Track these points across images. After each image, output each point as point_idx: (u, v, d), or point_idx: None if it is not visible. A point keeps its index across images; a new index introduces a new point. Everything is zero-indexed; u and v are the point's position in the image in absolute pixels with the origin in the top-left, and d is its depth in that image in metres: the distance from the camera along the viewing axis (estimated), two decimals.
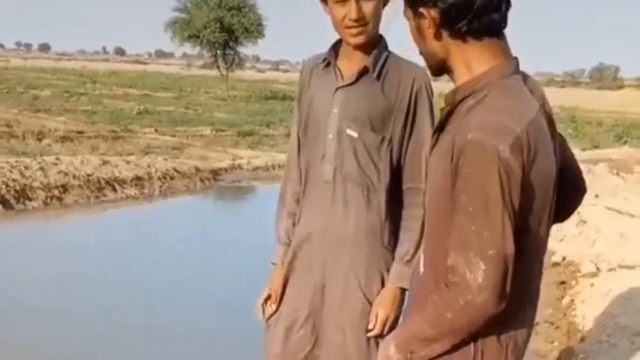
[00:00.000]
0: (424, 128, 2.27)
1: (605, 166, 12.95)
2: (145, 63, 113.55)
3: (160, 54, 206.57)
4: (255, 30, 35.75)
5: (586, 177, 7.61)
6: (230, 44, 36.12)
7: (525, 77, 1.56)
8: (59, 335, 4.75)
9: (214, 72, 39.99)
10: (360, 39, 2.25)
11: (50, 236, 7.49)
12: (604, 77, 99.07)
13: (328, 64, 2.37)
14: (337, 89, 2.32)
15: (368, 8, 2.20)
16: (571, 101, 43.17)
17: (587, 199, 7.74)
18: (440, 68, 1.63)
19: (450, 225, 1.46)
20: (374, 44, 2.29)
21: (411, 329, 1.59)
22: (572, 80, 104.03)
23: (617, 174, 12.36)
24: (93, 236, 7.50)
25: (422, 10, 1.53)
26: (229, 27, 35.13)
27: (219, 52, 36.51)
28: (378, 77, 2.27)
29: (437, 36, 1.54)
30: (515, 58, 1.56)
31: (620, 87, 74.75)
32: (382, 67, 2.28)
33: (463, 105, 1.53)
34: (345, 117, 2.28)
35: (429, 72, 1.75)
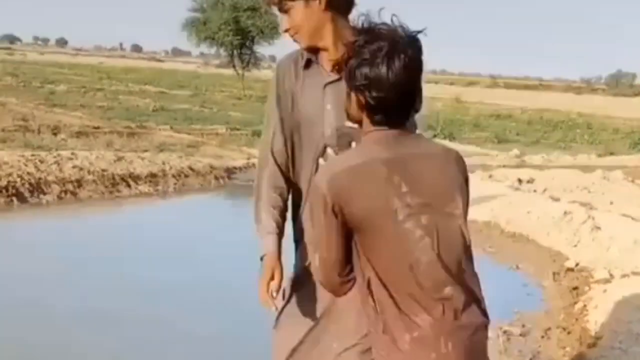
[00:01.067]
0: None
1: (621, 173, 12.87)
2: (161, 60, 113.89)
3: (177, 52, 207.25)
4: (270, 32, 35.78)
5: (601, 183, 7.66)
6: (247, 43, 36.16)
7: (396, 138, 2.07)
8: (66, 330, 4.76)
9: (230, 71, 40.06)
10: (303, 44, 2.39)
11: (64, 230, 7.52)
12: (621, 84, 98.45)
13: (309, 63, 2.42)
14: (326, 85, 2.37)
15: (293, 17, 2.34)
16: (588, 107, 42.95)
17: (602, 205, 7.74)
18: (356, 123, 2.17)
19: None
20: (338, 33, 2.33)
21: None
22: (588, 86, 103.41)
23: (633, 181, 12.28)
24: (106, 231, 7.52)
25: (353, 92, 2.07)
26: (244, 28, 35.17)
27: (235, 52, 36.56)
28: None
29: (361, 110, 2.08)
30: (399, 127, 2.07)
31: (637, 94, 74.18)
32: None
33: None
34: (339, 111, 2.27)
35: None
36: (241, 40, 35.36)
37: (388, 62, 1.98)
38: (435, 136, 19.34)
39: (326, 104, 2.38)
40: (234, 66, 37.26)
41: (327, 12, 2.32)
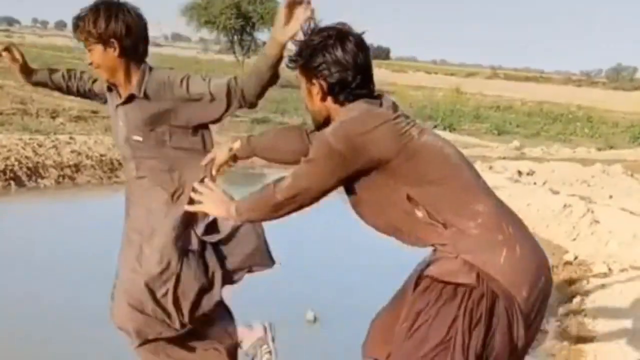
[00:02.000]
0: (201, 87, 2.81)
1: (620, 167, 12.85)
2: (161, 45, 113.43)
3: (177, 37, 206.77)
4: (270, 19, 35.68)
5: (601, 177, 7.65)
6: (248, 29, 36.06)
7: (381, 104, 2.28)
8: (64, 316, 4.73)
9: (230, 58, 39.99)
10: (102, 78, 2.96)
11: (62, 215, 7.48)
12: (621, 78, 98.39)
13: (109, 88, 2.98)
14: (117, 106, 2.91)
15: (94, 56, 2.83)
16: (588, 101, 42.88)
17: (601, 199, 7.71)
18: (323, 122, 2.34)
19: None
20: (129, 74, 2.86)
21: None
22: (588, 79, 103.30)
23: (632, 175, 12.26)
24: (104, 217, 7.47)
25: (314, 80, 2.27)
26: (245, 13, 35.08)
27: (235, 37, 36.45)
28: (144, 95, 2.84)
29: (323, 99, 2.29)
30: (378, 98, 2.29)
31: (637, 88, 74.09)
32: (145, 88, 2.85)
33: None
34: (130, 127, 2.86)
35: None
36: (242, 23, 35.25)
37: (341, 44, 2.23)
38: (435, 127, 19.30)
39: (119, 121, 2.91)
40: (234, 52, 37.12)
41: (121, 58, 2.81)
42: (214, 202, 2.60)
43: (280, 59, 2.57)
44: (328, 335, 4.87)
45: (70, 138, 9.86)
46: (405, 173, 2.17)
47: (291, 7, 2.42)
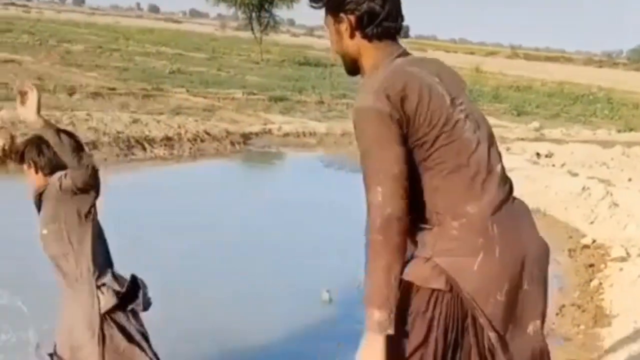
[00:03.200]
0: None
1: None
2: (179, 22, 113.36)
3: (195, 14, 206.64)
4: None
5: (620, 159, 7.54)
6: (266, 6, 35.87)
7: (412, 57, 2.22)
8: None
9: (248, 35, 39.76)
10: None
11: None
12: None
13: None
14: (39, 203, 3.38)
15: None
16: (608, 82, 42.45)
17: (620, 182, 7.60)
18: (353, 65, 2.25)
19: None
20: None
21: (368, 285, 2.04)
22: (610, 60, 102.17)
23: None
24: (120, 195, 7.48)
25: (342, 15, 2.17)
26: None
27: (253, 14, 36.27)
28: (40, 195, 3.34)
29: (352, 36, 2.18)
30: (403, 49, 2.21)
31: None
32: (43, 190, 3.32)
33: None
34: (41, 225, 3.34)
35: None
36: (261, 0, 35.08)
37: None
38: None
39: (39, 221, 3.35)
40: (252, 29, 36.96)
41: (37, 175, 3.31)
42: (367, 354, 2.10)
43: (50, 129, 2.95)
44: (342, 315, 4.88)
45: (88, 115, 9.87)
46: (423, 154, 2.09)
47: (23, 96, 2.78)
